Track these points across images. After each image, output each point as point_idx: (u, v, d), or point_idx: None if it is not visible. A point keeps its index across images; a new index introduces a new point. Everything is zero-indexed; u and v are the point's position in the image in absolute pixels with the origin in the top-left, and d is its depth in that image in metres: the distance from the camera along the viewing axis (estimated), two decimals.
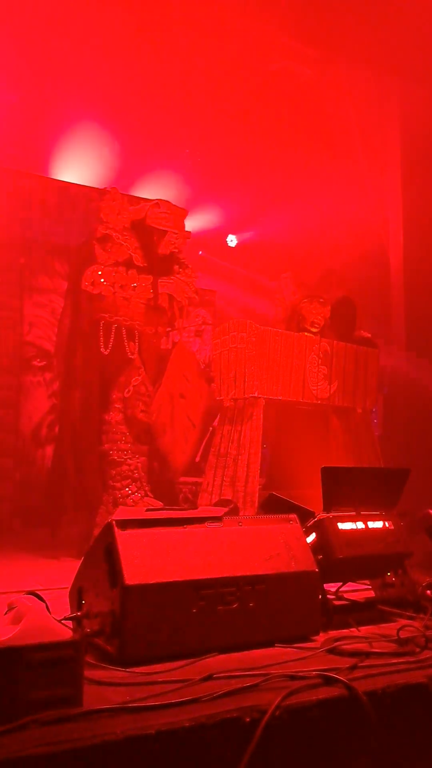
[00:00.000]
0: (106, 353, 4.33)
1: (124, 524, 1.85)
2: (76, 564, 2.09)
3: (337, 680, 1.60)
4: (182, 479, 6.19)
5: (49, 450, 5.49)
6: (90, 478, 4.37)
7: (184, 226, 4.69)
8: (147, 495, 4.28)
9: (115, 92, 6.18)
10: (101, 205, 4.39)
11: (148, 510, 2.12)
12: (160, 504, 4.24)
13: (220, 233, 8.78)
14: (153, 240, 4.48)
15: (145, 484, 4.34)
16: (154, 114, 6.58)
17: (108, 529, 1.85)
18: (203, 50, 6.30)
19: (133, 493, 4.26)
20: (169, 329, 4.81)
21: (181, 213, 4.73)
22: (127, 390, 4.36)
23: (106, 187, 4.59)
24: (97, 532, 4.15)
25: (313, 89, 6.98)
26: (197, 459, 6.68)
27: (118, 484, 4.26)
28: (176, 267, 4.57)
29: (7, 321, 5.74)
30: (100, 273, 4.23)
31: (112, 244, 4.32)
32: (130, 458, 4.31)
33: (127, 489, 4.26)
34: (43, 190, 5.92)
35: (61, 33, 5.69)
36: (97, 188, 5.12)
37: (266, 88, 6.76)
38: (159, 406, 4.55)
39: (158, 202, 4.60)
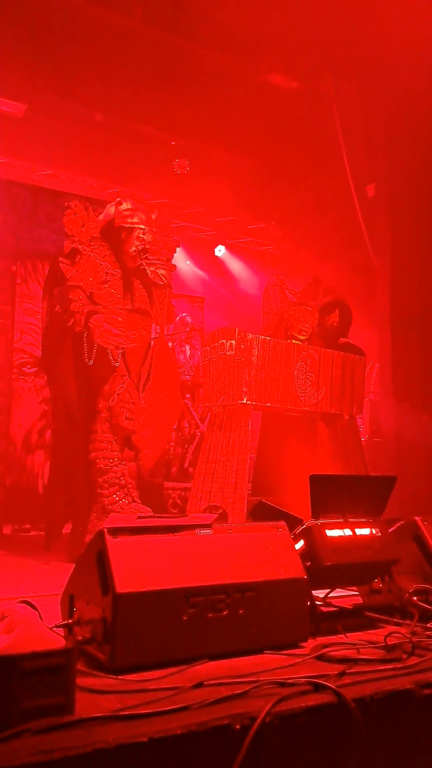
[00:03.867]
0: (90, 363, 4.37)
1: (116, 532, 1.87)
2: (66, 569, 2.10)
3: (326, 687, 1.62)
4: (171, 485, 6.20)
5: (40, 456, 5.50)
6: (79, 487, 4.40)
7: (151, 220, 4.72)
8: (134, 501, 4.31)
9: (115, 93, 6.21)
10: (63, 221, 4.42)
11: (138, 517, 2.13)
12: (147, 510, 4.27)
13: (209, 243, 8.84)
14: (121, 239, 4.52)
15: (132, 490, 4.37)
16: (150, 118, 6.62)
17: (99, 536, 1.87)
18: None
19: (120, 500, 4.29)
20: (155, 333, 4.82)
21: (147, 207, 4.79)
22: (111, 398, 4.39)
23: (67, 203, 4.62)
24: (87, 538, 4.18)
25: (300, 102, 7.05)
26: (186, 465, 6.71)
27: (105, 492, 4.29)
28: (148, 262, 4.59)
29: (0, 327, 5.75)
30: (71, 297, 4.27)
31: (81, 257, 4.36)
32: (116, 465, 4.34)
33: (114, 496, 4.29)
34: (35, 199, 5.94)
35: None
36: (89, 197, 5.15)
37: (251, 101, 6.82)
38: (148, 403, 4.57)
39: (120, 200, 4.65)
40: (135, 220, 4.60)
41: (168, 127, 7.05)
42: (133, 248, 4.55)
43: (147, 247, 4.61)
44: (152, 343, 4.80)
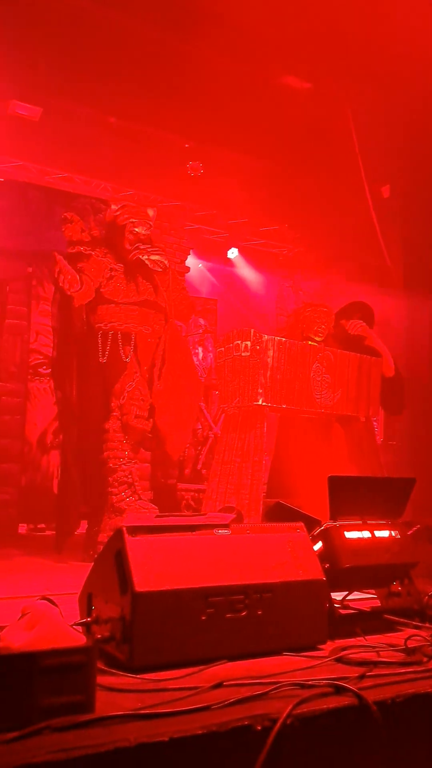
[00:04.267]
0: (103, 362, 4.41)
1: (134, 530, 1.86)
2: (81, 568, 2.10)
3: (347, 689, 1.61)
4: (184, 486, 6.20)
5: (55, 456, 5.52)
6: (92, 487, 4.42)
7: (146, 215, 4.77)
8: (140, 499, 4.31)
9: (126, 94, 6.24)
10: (64, 233, 4.49)
11: (157, 516, 2.13)
12: (154, 508, 4.28)
13: (222, 245, 8.84)
14: (118, 237, 4.58)
15: (139, 488, 4.37)
16: (164, 121, 6.64)
17: (118, 535, 1.86)
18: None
19: (127, 498, 4.31)
20: (166, 322, 4.80)
21: (141, 205, 4.85)
22: (122, 397, 4.41)
23: (63, 216, 4.67)
24: (101, 537, 4.20)
25: (313, 103, 7.03)
26: (199, 466, 6.71)
27: (114, 490, 4.32)
28: (141, 251, 4.61)
29: (15, 329, 5.80)
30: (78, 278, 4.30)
31: (84, 257, 4.42)
32: (125, 464, 4.37)
33: (122, 494, 4.31)
34: (50, 201, 5.98)
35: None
36: (103, 198, 5.18)
37: (265, 103, 6.81)
38: (165, 387, 4.58)
39: (115, 201, 4.74)
40: (126, 216, 4.69)
41: (181, 130, 7.07)
42: (128, 243, 4.60)
43: (141, 238, 4.65)
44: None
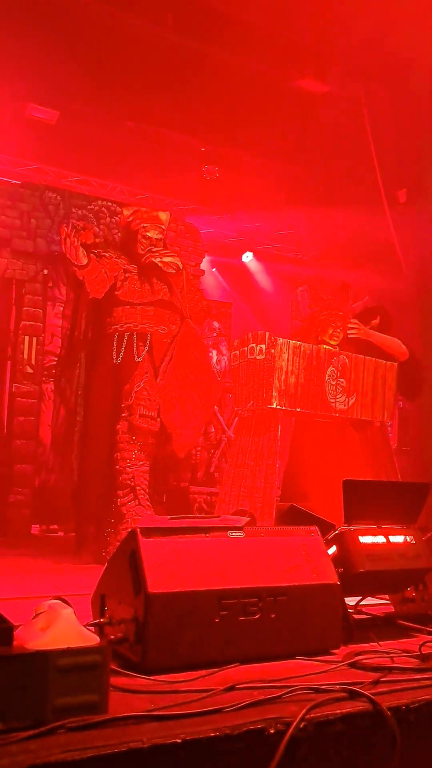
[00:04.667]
0: (117, 363, 4.41)
1: (148, 532, 1.86)
2: (93, 569, 2.10)
3: (361, 694, 1.59)
4: (196, 489, 6.20)
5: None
6: (103, 488, 4.42)
7: (157, 219, 4.80)
8: (140, 504, 4.29)
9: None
10: (80, 238, 4.50)
11: (171, 518, 2.13)
12: (152, 512, 4.26)
13: (237, 249, 8.85)
14: (132, 242, 4.62)
15: (140, 492, 4.34)
16: (180, 125, 6.67)
17: (132, 536, 1.86)
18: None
19: (129, 502, 4.29)
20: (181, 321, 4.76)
21: (153, 209, 4.87)
22: (130, 397, 4.40)
23: (75, 224, 4.67)
24: (111, 539, 4.20)
25: (330, 107, 7.03)
26: (212, 469, 6.71)
27: (120, 493, 4.31)
28: (153, 254, 4.62)
29: (30, 330, 5.84)
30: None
31: (99, 259, 4.46)
32: (129, 467, 4.34)
33: (125, 497, 4.29)
34: (67, 204, 6.02)
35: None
36: (119, 201, 5.22)
37: (282, 106, 6.82)
38: (168, 382, 4.56)
39: (128, 207, 4.78)
40: (138, 221, 4.71)
41: (198, 134, 7.09)
42: (140, 247, 4.62)
43: (153, 242, 4.67)
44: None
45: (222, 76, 6.51)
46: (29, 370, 5.81)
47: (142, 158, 7.05)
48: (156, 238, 4.71)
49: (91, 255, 4.38)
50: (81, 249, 4.29)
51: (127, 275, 4.56)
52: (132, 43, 6.11)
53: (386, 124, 7.03)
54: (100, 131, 6.63)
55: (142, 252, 4.61)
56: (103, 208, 5.92)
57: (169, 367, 4.59)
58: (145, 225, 4.71)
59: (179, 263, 4.68)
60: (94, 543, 4.37)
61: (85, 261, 4.33)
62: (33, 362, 5.83)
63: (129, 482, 4.29)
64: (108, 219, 5.76)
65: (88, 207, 6.14)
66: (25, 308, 5.86)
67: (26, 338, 5.82)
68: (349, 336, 4.64)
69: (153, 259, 4.57)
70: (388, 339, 4.81)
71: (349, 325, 4.65)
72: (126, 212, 4.86)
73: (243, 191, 7.79)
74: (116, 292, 4.53)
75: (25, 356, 5.80)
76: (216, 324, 8.43)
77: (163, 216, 4.93)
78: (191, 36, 6.27)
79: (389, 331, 5.03)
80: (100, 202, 6.23)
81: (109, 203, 6.18)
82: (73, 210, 5.97)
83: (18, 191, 5.89)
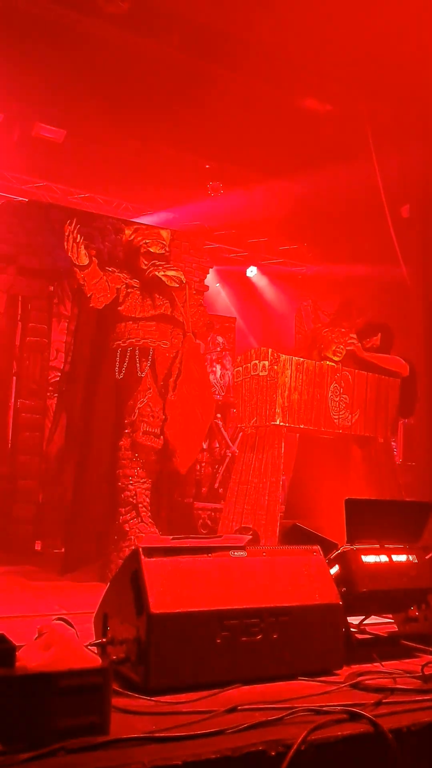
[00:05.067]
0: (120, 378, 4.42)
1: (151, 551, 1.87)
2: (96, 587, 2.11)
3: (362, 716, 1.59)
4: (201, 505, 6.19)
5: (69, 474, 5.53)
6: (105, 506, 4.41)
7: (159, 236, 4.85)
8: (143, 522, 4.28)
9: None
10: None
11: (173, 538, 2.13)
12: (154, 529, 4.24)
13: (241, 264, 8.90)
14: (134, 259, 4.66)
15: (142, 509, 4.33)
16: (185, 142, 6.74)
17: (134, 555, 1.87)
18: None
19: (130, 519, 4.28)
20: (183, 335, 4.77)
21: (154, 227, 4.92)
22: (133, 414, 4.40)
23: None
24: (113, 556, 4.19)
25: (333, 124, 7.09)
26: (216, 485, 6.70)
27: (122, 510, 4.29)
28: (155, 268, 4.65)
29: (36, 346, 5.88)
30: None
31: (102, 272, 4.52)
32: (131, 484, 4.33)
33: (127, 515, 4.27)
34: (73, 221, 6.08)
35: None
36: (124, 219, 5.28)
37: (285, 123, 6.88)
38: (178, 398, 4.55)
39: (129, 226, 4.84)
40: (140, 237, 4.77)
41: (202, 151, 7.16)
42: (144, 261, 4.66)
43: (155, 257, 4.71)
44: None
45: (226, 95, 6.58)
46: (34, 386, 5.84)
47: (146, 175, 7.12)
48: (158, 253, 4.76)
49: (93, 258, 4.42)
50: (83, 248, 4.32)
51: (129, 290, 4.59)
52: (137, 62, 6.19)
53: (389, 140, 7.08)
54: (105, 149, 6.71)
55: (145, 267, 4.65)
56: (108, 226, 5.97)
57: (178, 382, 4.60)
58: (147, 241, 4.76)
59: (182, 277, 4.71)
60: (96, 560, 4.36)
61: (86, 261, 4.35)
62: (38, 378, 5.86)
63: (131, 500, 4.28)
64: (113, 236, 5.81)
65: (93, 224, 6.20)
66: (30, 324, 5.90)
67: (31, 354, 5.86)
68: (346, 349, 4.66)
69: (156, 273, 4.61)
70: (384, 357, 4.82)
71: (347, 340, 4.67)
72: (128, 231, 4.93)
73: (247, 207, 7.85)
74: (119, 308, 4.56)
75: (31, 372, 5.84)
76: (220, 339, 8.46)
77: (164, 233, 4.98)
78: (195, 55, 6.36)
79: (390, 347, 5.04)
80: (104, 219, 6.29)
81: (114, 220, 6.24)
82: (79, 227, 6.02)
83: (24, 209, 5.95)
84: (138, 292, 4.59)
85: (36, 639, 1.48)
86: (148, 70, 6.29)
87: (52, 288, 6.06)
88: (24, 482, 5.72)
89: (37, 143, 6.76)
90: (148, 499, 4.38)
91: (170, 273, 4.66)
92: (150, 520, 4.32)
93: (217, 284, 8.58)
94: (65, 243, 4.38)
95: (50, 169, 7.19)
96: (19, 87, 6.03)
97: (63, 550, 4.88)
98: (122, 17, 5.60)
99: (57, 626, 1.50)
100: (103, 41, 6.00)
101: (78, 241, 4.28)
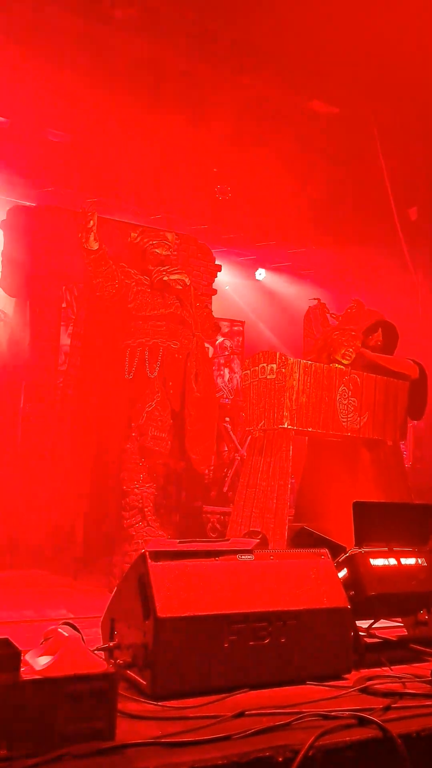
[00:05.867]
0: (129, 378, 4.39)
1: (157, 555, 1.87)
2: (103, 590, 2.11)
3: (371, 721, 1.58)
4: (210, 509, 6.18)
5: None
6: (110, 508, 4.39)
7: (164, 238, 4.85)
8: (149, 525, 4.24)
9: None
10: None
11: (180, 542, 2.13)
12: (162, 534, 4.20)
13: (250, 267, 8.90)
14: (141, 261, 4.66)
15: (148, 513, 4.29)
16: (192, 145, 6.76)
17: (141, 560, 1.87)
18: None
19: (136, 523, 4.24)
20: (193, 335, 4.74)
21: (159, 230, 4.93)
22: (141, 417, 4.35)
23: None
24: (118, 560, 4.17)
25: (341, 127, 7.09)
26: (225, 488, 6.68)
27: (126, 514, 4.26)
28: (160, 272, 4.63)
29: (45, 350, 5.89)
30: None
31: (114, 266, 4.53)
32: (137, 488, 4.29)
33: (132, 519, 4.24)
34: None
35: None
36: (134, 224, 5.29)
37: (292, 126, 6.89)
38: (200, 396, 4.51)
39: (134, 229, 4.85)
40: (146, 239, 4.77)
41: (210, 154, 7.17)
42: (151, 263, 4.66)
43: (162, 259, 4.70)
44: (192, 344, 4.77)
45: (234, 98, 6.60)
46: (42, 391, 5.85)
47: (154, 178, 7.13)
48: (165, 255, 4.75)
49: (102, 246, 4.39)
50: (94, 233, 4.29)
51: (138, 288, 4.58)
52: (146, 66, 6.22)
53: (396, 143, 7.07)
54: (113, 153, 6.73)
55: (152, 269, 4.64)
56: (116, 230, 5.98)
57: (198, 380, 4.54)
58: (153, 242, 4.75)
59: (186, 279, 4.69)
60: (103, 564, 4.35)
61: (95, 246, 4.32)
62: (46, 382, 5.88)
63: (137, 504, 4.25)
64: (122, 241, 5.82)
65: (101, 228, 6.22)
66: (39, 329, 5.91)
67: (40, 359, 5.87)
68: (355, 352, 4.64)
69: (161, 277, 4.60)
70: (392, 359, 4.80)
71: (357, 343, 4.66)
72: (133, 234, 4.92)
73: (255, 210, 7.85)
74: (128, 305, 4.52)
75: (39, 376, 5.85)
76: (228, 342, 8.46)
77: (170, 236, 4.97)
78: (202, 60, 6.39)
79: (394, 345, 5.02)
80: (113, 223, 6.30)
81: (123, 224, 6.25)
82: (96, 215, 6.04)
83: (33, 213, 5.98)
84: (148, 290, 4.57)
85: (42, 643, 1.48)
86: (156, 73, 6.32)
87: (60, 292, 6.07)
88: (32, 487, 5.73)
89: (45, 147, 6.79)
90: (153, 503, 4.35)
91: (174, 276, 4.65)
92: (157, 524, 4.29)
93: (227, 287, 8.57)
94: (78, 226, 4.33)
95: (58, 173, 7.23)
96: (29, 92, 6.08)
97: (73, 553, 4.88)
98: (130, 22, 5.63)
99: (63, 630, 1.50)
100: (112, 45, 6.04)
101: (90, 226, 4.26)
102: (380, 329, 5.01)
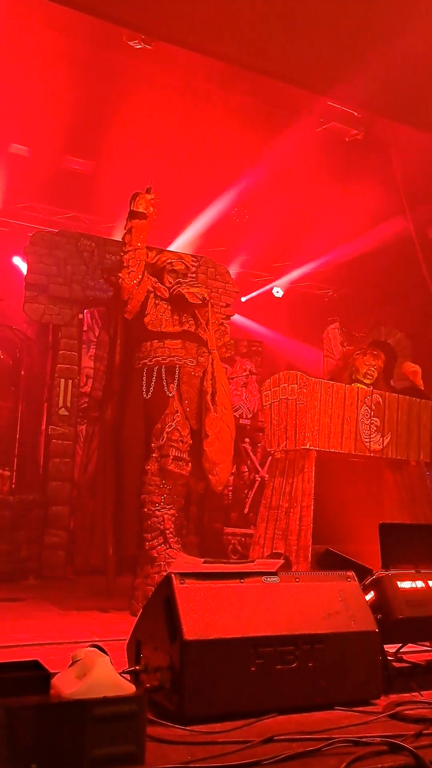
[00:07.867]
0: (147, 398, 4.39)
1: (183, 577, 1.86)
2: (127, 613, 2.09)
3: (403, 748, 1.55)
4: (230, 530, 6.14)
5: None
6: (132, 531, 4.35)
7: (180, 256, 4.92)
8: (171, 548, 4.20)
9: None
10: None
11: (205, 562, 2.12)
12: (183, 555, 4.15)
13: (266, 286, 8.94)
14: (159, 278, 4.71)
15: (170, 535, 4.26)
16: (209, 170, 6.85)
17: (167, 581, 1.86)
18: None
19: (158, 546, 4.21)
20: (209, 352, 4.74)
21: (175, 252, 5.03)
22: (161, 438, 4.33)
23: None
24: (139, 583, 4.14)
25: (359, 147, 7.14)
26: (246, 510, 6.65)
27: (148, 536, 4.23)
28: (175, 287, 4.66)
29: (66, 373, 5.95)
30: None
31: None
32: (158, 510, 4.26)
33: (154, 541, 4.22)
34: (102, 250, 6.19)
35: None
36: (150, 245, 5.34)
37: (310, 148, 6.96)
38: (219, 416, 4.48)
39: (153, 251, 4.94)
40: (164, 258, 4.83)
41: (228, 177, 7.26)
42: (169, 279, 4.69)
43: (180, 274, 4.74)
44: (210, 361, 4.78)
45: (251, 121, 6.69)
46: (65, 413, 5.89)
47: (171, 202, 7.23)
48: (182, 272, 4.80)
49: (138, 244, 4.57)
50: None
51: (156, 300, 4.61)
52: (163, 94, 6.35)
53: (414, 162, 7.10)
54: (133, 179, 6.84)
55: (170, 284, 4.68)
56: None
57: (217, 398, 4.53)
58: (171, 261, 4.80)
59: (205, 295, 4.71)
60: (127, 586, 4.32)
61: (134, 248, 4.55)
62: (68, 404, 5.92)
63: (158, 525, 4.22)
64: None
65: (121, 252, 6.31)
66: (60, 352, 5.98)
67: (62, 381, 5.92)
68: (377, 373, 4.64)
69: (180, 290, 4.62)
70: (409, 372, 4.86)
71: (379, 363, 4.66)
72: (151, 254, 4.98)
73: (272, 231, 7.91)
74: (144, 318, 4.52)
75: (61, 399, 5.89)
76: (247, 363, 8.46)
77: (187, 257, 5.04)
78: (220, 86, 6.50)
79: (394, 364, 5.00)
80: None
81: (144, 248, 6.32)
82: (107, 256, 6.11)
83: (54, 239, 6.08)
84: (165, 305, 4.60)
85: (70, 666, 1.47)
86: (173, 101, 6.44)
87: (81, 316, 6.16)
88: (55, 508, 5.75)
89: (66, 175, 6.92)
90: (174, 525, 4.33)
91: (193, 290, 4.67)
92: (178, 546, 4.26)
93: (242, 299, 8.59)
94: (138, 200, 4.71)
95: (79, 199, 7.35)
96: (48, 121, 6.22)
97: (101, 575, 4.85)
98: (146, 51, 5.75)
99: (91, 653, 1.50)
100: (128, 73, 6.17)
101: (147, 207, 4.63)
102: (382, 353, 4.99)
